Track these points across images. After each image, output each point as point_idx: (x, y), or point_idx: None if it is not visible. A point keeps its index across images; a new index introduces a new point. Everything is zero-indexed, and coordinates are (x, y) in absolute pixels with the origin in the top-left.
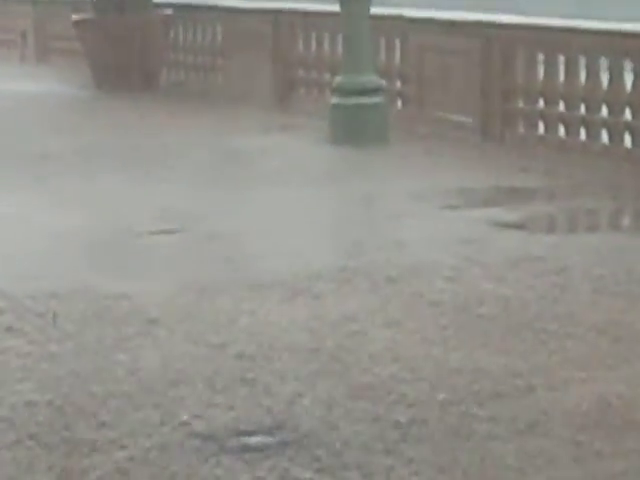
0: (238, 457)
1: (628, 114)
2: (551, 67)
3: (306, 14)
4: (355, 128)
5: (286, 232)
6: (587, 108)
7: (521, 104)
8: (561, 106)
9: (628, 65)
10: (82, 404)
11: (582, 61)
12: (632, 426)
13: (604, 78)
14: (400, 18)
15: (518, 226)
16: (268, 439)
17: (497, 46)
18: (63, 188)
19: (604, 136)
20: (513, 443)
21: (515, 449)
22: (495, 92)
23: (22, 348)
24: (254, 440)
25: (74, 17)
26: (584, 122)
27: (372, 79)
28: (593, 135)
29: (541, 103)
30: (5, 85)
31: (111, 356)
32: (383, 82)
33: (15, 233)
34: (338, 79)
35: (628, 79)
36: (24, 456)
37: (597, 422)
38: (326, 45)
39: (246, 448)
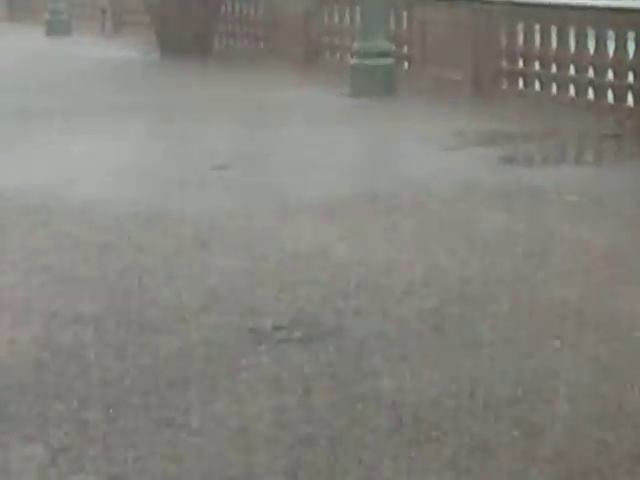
0: (276, 347)
1: (591, 73)
2: (529, 34)
3: None
4: (370, 83)
5: (314, 167)
6: (558, 67)
7: (505, 64)
8: (536, 66)
9: (591, 32)
10: (149, 309)
11: (554, 29)
12: None
13: (572, 43)
14: None
15: (504, 161)
16: (302, 333)
17: (485, 18)
18: (137, 132)
19: (571, 90)
20: None
21: None
22: (484, 55)
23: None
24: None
25: None
26: (555, 79)
27: (384, 44)
28: (563, 89)
29: (521, 64)
30: (88, 52)
31: (173, 264)
32: (393, 47)
33: (94, 168)
34: (356, 44)
35: (591, 45)
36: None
37: None
38: (347, 16)
39: (283, 340)
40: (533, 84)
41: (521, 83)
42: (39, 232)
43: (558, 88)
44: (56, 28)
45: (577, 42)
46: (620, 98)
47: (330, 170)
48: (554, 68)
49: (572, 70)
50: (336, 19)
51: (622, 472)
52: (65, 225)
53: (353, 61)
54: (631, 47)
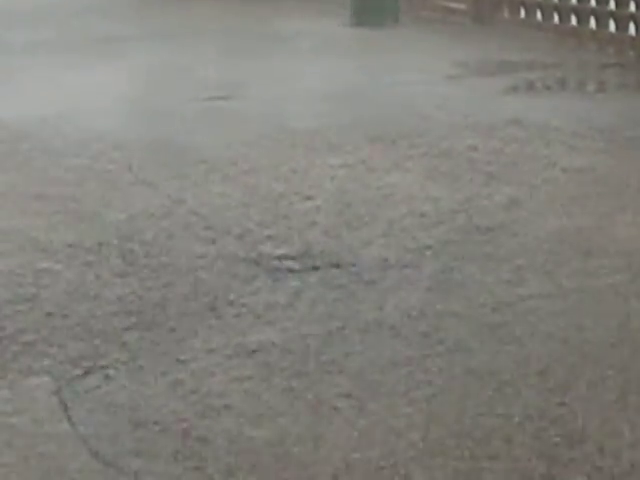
0: (273, 275)
1: (593, 2)
2: None
3: None
4: (372, 13)
5: (316, 96)
6: None
7: None
8: None
9: None
10: (147, 232)
11: None
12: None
13: None
14: None
15: (506, 91)
16: (299, 263)
17: None
18: (133, 63)
19: (573, 20)
20: None
21: None
22: None
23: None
24: (287, 263)
25: None
26: (557, 8)
27: None
28: (565, 19)
29: None
30: None
31: (176, 194)
32: None
33: (90, 100)
34: None
35: None
36: None
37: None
38: None
39: (280, 269)
40: (535, 13)
41: (523, 12)
42: (38, 162)
43: (560, 17)
44: None
45: None
46: (622, 27)
47: (330, 100)
48: None
49: None
50: None
51: None
52: (63, 157)
53: None
54: None
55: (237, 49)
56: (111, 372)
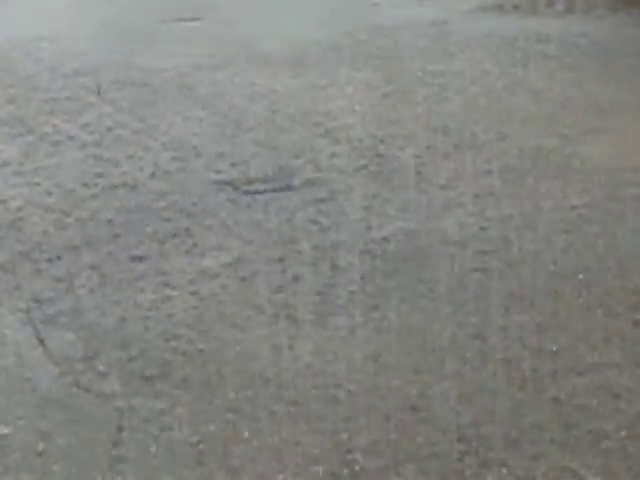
0: (250, 196)
1: None
2: None
3: None
4: None
5: (284, 17)
6: None
7: None
8: None
9: None
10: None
11: None
12: None
13: None
14: None
15: (474, 12)
16: (275, 184)
17: None
18: None
19: None
20: None
21: None
22: None
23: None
24: (264, 185)
25: None
26: None
27: None
28: None
29: None
30: None
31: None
32: None
33: (57, 23)
34: None
35: None
36: None
37: None
38: None
39: (257, 191)
40: None
41: None
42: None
43: None
44: None
45: None
46: None
47: (300, 21)
48: None
49: None
50: None
51: None
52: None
53: None
54: None
55: None
56: None
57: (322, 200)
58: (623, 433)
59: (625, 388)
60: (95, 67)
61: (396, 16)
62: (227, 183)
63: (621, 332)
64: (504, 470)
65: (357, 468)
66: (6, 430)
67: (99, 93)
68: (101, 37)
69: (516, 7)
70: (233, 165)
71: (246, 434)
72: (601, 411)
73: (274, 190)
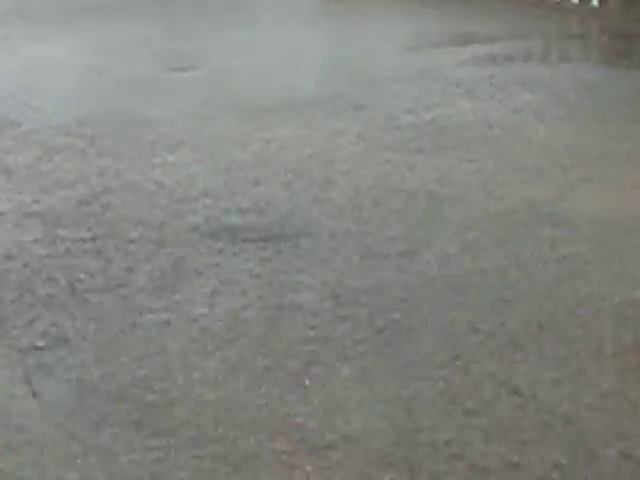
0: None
1: None
2: None
3: None
4: None
5: (280, 68)
6: None
7: None
8: None
9: None
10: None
11: None
12: None
13: None
14: None
15: (468, 61)
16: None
17: None
18: (97, 33)
19: None
20: None
21: None
22: None
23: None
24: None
25: None
26: None
27: None
28: None
29: None
30: None
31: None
32: None
33: (51, 70)
34: None
35: None
36: None
37: None
38: None
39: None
40: None
41: None
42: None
43: None
44: None
45: None
46: None
47: (295, 72)
48: None
49: None
50: None
51: None
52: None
53: None
54: None
55: (202, 18)
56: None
57: (312, 250)
58: None
59: None
60: (87, 115)
61: (388, 66)
62: (218, 231)
63: None
64: None
65: None
66: None
67: (92, 142)
68: (90, 87)
69: (509, 58)
70: (226, 212)
71: None
72: None
73: (266, 240)
